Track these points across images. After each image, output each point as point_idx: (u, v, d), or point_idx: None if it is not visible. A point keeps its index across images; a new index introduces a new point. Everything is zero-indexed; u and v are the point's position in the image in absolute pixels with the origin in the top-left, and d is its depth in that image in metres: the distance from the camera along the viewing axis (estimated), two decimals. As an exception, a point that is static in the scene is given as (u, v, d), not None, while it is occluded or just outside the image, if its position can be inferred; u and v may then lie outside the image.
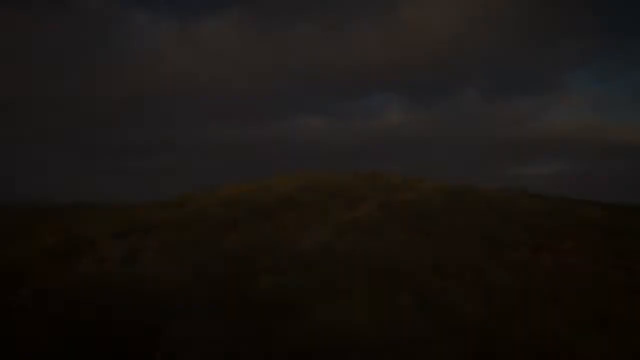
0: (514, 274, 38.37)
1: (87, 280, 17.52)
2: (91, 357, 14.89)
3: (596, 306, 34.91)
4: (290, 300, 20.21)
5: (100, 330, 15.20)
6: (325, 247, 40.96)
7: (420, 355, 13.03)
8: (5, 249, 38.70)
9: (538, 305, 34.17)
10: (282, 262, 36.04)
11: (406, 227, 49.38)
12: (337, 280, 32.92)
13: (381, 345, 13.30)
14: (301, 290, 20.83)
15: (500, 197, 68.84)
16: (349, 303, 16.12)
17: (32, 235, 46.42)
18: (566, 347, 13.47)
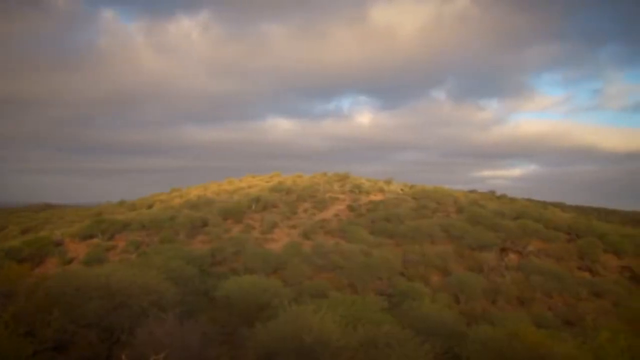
0: (481, 275, 38.90)
1: (54, 282, 17.21)
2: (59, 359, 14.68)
3: (561, 307, 35.55)
4: (259, 301, 20.15)
5: (68, 332, 14.98)
6: (294, 248, 41.04)
7: (391, 356, 13.08)
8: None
9: (505, 306, 34.68)
10: (251, 263, 36.01)
11: (374, 229, 49.71)
12: (306, 281, 32.99)
13: (351, 346, 13.32)
14: (270, 291, 20.78)
15: (467, 199, 69.65)
16: (318, 304, 16.09)
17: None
18: (532, 347, 13.66)
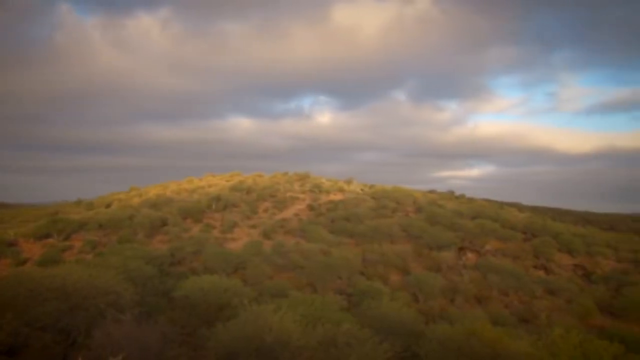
0: (440, 274, 39.35)
1: (7, 283, 16.81)
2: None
3: (517, 305, 36.21)
4: (219, 301, 20.02)
5: (22, 335, 14.66)
6: (254, 248, 40.91)
7: (350, 355, 13.16)
8: None
9: (463, 305, 35.14)
10: (211, 263, 35.74)
11: (334, 228, 49.88)
12: (266, 280, 32.90)
13: (311, 346, 13.35)
14: (231, 291, 20.67)
15: (426, 199, 70.40)
16: (278, 303, 16.08)
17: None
18: (489, 344, 13.88)
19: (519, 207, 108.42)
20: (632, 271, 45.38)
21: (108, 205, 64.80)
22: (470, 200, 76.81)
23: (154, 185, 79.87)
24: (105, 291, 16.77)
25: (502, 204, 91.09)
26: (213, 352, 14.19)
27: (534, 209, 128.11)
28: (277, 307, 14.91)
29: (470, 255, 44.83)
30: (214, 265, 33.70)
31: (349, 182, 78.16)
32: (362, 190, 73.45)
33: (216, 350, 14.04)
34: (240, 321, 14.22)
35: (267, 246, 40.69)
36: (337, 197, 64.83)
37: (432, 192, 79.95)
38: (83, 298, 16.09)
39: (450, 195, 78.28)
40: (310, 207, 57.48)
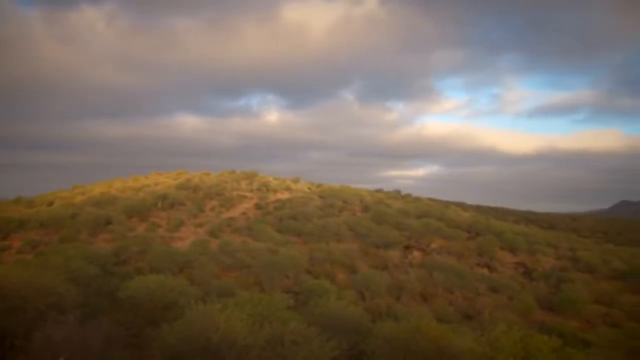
0: (386, 273, 39.77)
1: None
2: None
3: (461, 302, 36.91)
4: (165, 301, 19.75)
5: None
6: (201, 247, 40.51)
7: (297, 353, 13.18)
8: None
9: (409, 302, 35.61)
10: (157, 262, 35.21)
11: (282, 227, 49.86)
12: (213, 280, 32.62)
13: (258, 344, 13.31)
14: (177, 291, 20.43)
15: (373, 198, 71.01)
16: (225, 303, 15.97)
17: None
18: (434, 341, 14.11)
19: (464, 207, 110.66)
20: (570, 268, 47.02)
21: (50, 204, 63.04)
22: (416, 199, 77.90)
23: (98, 183, 78.11)
24: (46, 292, 16.33)
25: (447, 204, 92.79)
26: (159, 352, 14.02)
27: (478, 208, 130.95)
28: (224, 306, 14.83)
29: (416, 253, 45.46)
30: (160, 264, 33.20)
31: (296, 181, 78.18)
32: (309, 189, 73.60)
33: (162, 350, 13.87)
34: (186, 321, 14.08)
35: (214, 245, 40.37)
36: (285, 196, 64.80)
37: (379, 191, 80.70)
38: (22, 300, 15.63)
39: (397, 194, 79.18)
40: (258, 206, 57.32)
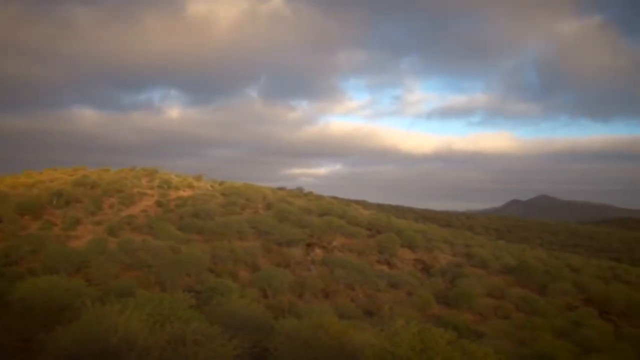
0: (288, 270, 40.02)
1: None
2: None
3: (362, 298, 37.70)
4: (60, 303, 19.07)
5: None
6: (99, 245, 39.21)
7: (199, 353, 13.10)
8: None
9: (311, 299, 36.01)
10: (51, 263, 33.78)
11: (183, 225, 49.06)
12: (112, 279, 31.69)
13: (159, 345, 13.12)
14: (72, 292, 19.78)
15: (276, 196, 71.15)
16: (124, 303, 15.60)
17: None
18: (335, 337, 14.41)
19: (365, 205, 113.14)
20: (465, 264, 49.28)
21: None
22: (319, 197, 78.67)
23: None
24: None
25: (348, 202, 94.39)
26: (53, 357, 13.56)
27: (379, 207, 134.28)
28: (123, 306, 14.50)
29: (318, 251, 46.01)
30: (55, 264, 31.85)
31: (198, 178, 77.11)
32: (211, 186, 72.80)
33: (56, 355, 13.42)
34: (82, 323, 13.67)
35: (113, 244, 39.15)
36: (187, 193, 63.81)
37: (281, 189, 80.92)
38: None
39: (299, 192, 79.66)
40: (159, 204, 56.13)
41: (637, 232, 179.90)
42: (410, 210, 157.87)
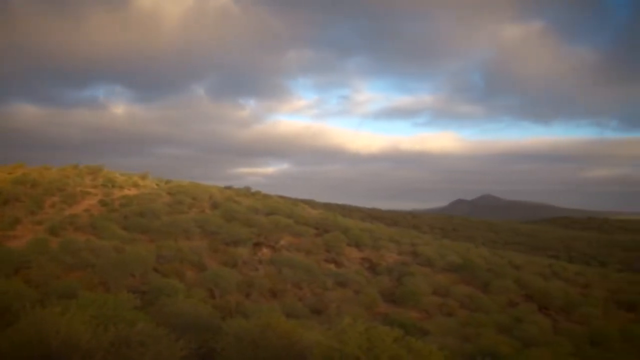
0: (236, 270, 39.74)
1: None
2: None
3: (310, 297, 37.72)
4: (-2, 305, 18.47)
5: None
6: (40, 246, 38.11)
7: (144, 354, 12.84)
8: None
9: (259, 298, 35.82)
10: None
11: (128, 224, 48.17)
12: (54, 281, 30.84)
13: (103, 347, 12.81)
14: (11, 294, 19.16)
15: (223, 195, 70.57)
16: (66, 305, 15.18)
17: None
18: (283, 336, 14.35)
19: (312, 204, 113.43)
20: (411, 262, 49.93)
21: None
22: (266, 196, 78.47)
23: None
24: None
25: (296, 201, 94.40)
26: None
27: (326, 206, 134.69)
28: (65, 308, 14.09)
29: (265, 250, 45.84)
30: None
31: (144, 176, 75.80)
32: (157, 185, 71.74)
33: (-6, 358, 12.96)
34: (22, 326, 13.23)
35: (55, 244, 38.10)
36: (132, 192, 62.66)
37: (228, 188, 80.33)
38: None
39: (247, 191, 79.23)
40: (103, 203, 54.94)
41: (574, 230, 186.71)
42: (357, 209, 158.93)
